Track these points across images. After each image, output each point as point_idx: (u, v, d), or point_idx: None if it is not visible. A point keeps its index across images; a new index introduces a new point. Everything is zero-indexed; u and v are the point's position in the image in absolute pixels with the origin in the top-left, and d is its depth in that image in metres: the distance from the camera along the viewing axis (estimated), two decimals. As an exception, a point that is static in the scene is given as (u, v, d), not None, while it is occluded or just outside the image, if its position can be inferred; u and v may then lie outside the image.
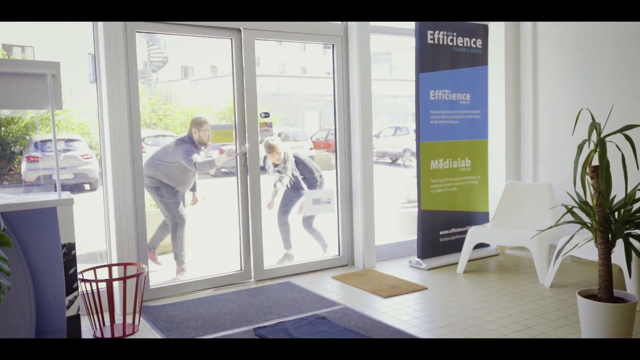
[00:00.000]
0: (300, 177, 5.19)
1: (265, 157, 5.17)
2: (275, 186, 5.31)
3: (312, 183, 5.21)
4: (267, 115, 4.77)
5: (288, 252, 5.17)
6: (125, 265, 3.76)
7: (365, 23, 4.80)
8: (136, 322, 3.54)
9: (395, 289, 4.26)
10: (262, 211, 4.62)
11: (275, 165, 5.22)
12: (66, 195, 3.12)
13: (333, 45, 4.90)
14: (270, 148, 5.15)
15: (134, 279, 3.53)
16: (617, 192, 3.18)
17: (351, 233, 5.03)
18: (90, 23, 3.84)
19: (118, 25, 3.79)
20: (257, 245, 4.59)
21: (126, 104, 3.87)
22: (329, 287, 4.39)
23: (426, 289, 4.29)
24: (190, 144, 4.66)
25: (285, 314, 3.76)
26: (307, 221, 5.21)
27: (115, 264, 3.77)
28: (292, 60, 27.43)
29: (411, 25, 4.90)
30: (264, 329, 3.45)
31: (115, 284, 3.78)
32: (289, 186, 5.21)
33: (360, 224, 4.91)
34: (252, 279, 4.59)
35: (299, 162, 5.25)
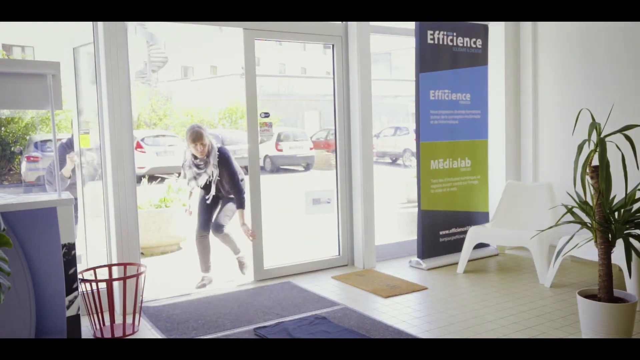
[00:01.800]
0: (214, 179, 4.47)
1: (186, 149, 4.58)
2: (189, 185, 4.60)
3: (228, 189, 4.55)
4: (267, 115, 4.76)
5: (206, 274, 4.56)
6: (125, 265, 3.76)
7: (365, 23, 4.80)
8: (136, 322, 3.54)
9: (395, 289, 4.25)
10: (261, 211, 4.61)
11: (195, 159, 4.48)
12: (66, 195, 3.12)
13: (333, 45, 4.90)
14: (197, 136, 4.36)
15: (134, 279, 3.52)
16: (617, 192, 3.18)
17: (351, 233, 5.03)
18: (90, 23, 3.84)
19: (118, 25, 3.79)
20: (257, 244, 4.59)
21: (126, 103, 3.87)
22: (329, 287, 4.39)
23: (426, 289, 4.29)
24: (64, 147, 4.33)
25: (285, 314, 3.76)
26: (218, 227, 4.57)
27: (115, 264, 3.77)
28: (292, 60, 27.47)
29: (411, 25, 4.90)
30: (264, 329, 3.45)
31: (115, 284, 3.78)
32: (209, 188, 4.52)
33: (360, 224, 4.91)
34: (252, 279, 4.59)
35: (222, 159, 4.49)
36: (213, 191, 4.53)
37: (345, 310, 3.82)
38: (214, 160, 4.45)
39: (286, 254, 5.26)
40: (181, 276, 4.65)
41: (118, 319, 3.66)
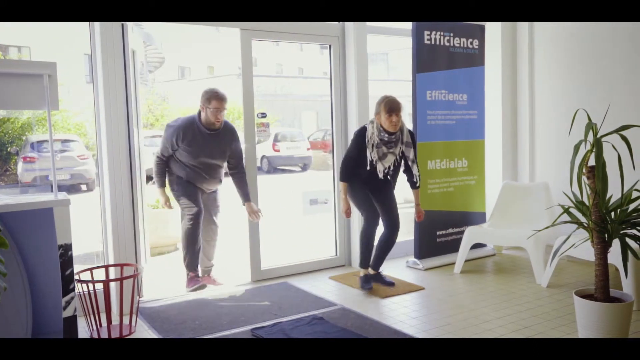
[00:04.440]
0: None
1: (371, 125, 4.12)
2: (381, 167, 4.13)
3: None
4: (264, 115, 4.76)
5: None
6: (122, 265, 3.75)
7: (362, 23, 4.81)
8: (133, 323, 3.54)
9: (392, 289, 4.25)
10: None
11: (389, 134, 4.08)
12: (62, 195, 3.11)
13: (330, 46, 4.90)
14: (396, 105, 4.02)
15: (131, 279, 3.52)
16: (614, 192, 3.19)
17: (348, 233, 5.03)
18: (86, 23, 3.83)
19: (115, 25, 3.79)
20: (255, 245, 4.59)
21: (123, 104, 3.87)
22: (326, 288, 4.38)
23: (423, 289, 4.29)
24: (174, 128, 4.08)
25: (282, 314, 3.75)
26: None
27: (112, 265, 3.76)
28: (290, 61, 27.46)
29: (408, 25, 4.90)
30: (261, 330, 3.44)
31: (112, 285, 3.76)
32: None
33: (357, 224, 4.90)
34: (250, 279, 4.58)
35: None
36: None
37: (342, 310, 3.82)
38: (407, 137, 4.15)
39: (283, 254, 5.26)
40: (178, 277, 4.63)
41: (115, 320, 3.65)
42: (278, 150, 15.19)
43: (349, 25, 4.82)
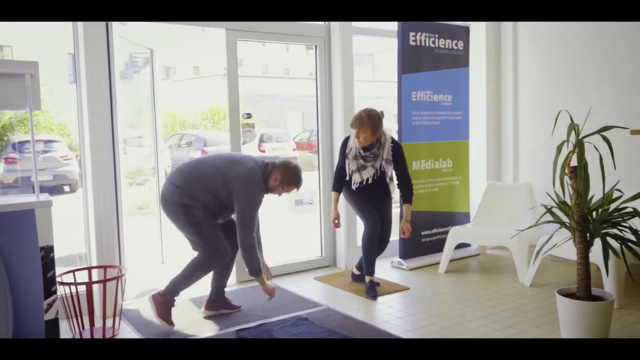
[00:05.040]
0: None
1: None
2: None
3: None
4: (249, 115, 4.75)
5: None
6: (105, 267, 3.71)
7: (347, 24, 4.82)
8: (116, 326, 3.50)
9: (377, 289, 4.26)
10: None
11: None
12: (44, 197, 3.08)
13: (316, 46, 4.90)
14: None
15: (114, 281, 3.48)
16: (595, 192, 3.23)
17: (333, 234, 5.04)
18: (70, 22, 3.79)
19: (99, 24, 3.75)
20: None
21: (107, 104, 3.83)
22: (312, 288, 4.38)
23: (408, 289, 4.31)
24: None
25: (267, 315, 3.75)
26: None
27: (95, 267, 3.73)
28: (275, 61, 27.42)
29: (394, 26, 4.92)
30: (246, 331, 3.43)
31: (95, 287, 3.73)
32: None
33: (342, 225, 4.92)
34: (235, 281, 4.56)
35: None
36: None
37: (327, 311, 3.82)
38: (387, 154, 4.10)
39: (268, 255, 5.24)
40: (162, 278, 4.59)
41: (98, 323, 3.61)
42: (264, 151, 15.15)
43: (335, 25, 4.82)
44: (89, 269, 3.66)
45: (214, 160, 3.64)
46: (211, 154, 3.95)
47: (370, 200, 4.17)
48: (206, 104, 20.30)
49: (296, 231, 6.26)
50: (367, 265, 4.18)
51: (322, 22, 4.87)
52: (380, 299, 4.09)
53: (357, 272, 4.41)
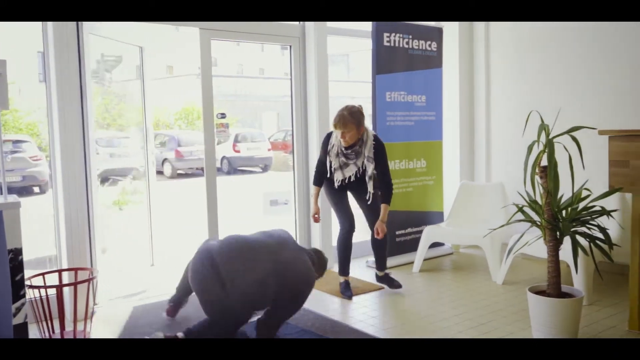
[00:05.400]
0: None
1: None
2: None
3: None
4: (223, 116, 4.72)
5: None
6: (76, 270, 3.64)
7: (322, 24, 4.82)
8: (87, 329, 3.44)
9: (352, 288, 4.27)
10: (217, 213, 4.57)
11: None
12: (13, 198, 3.01)
13: (290, 46, 4.90)
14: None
15: (86, 284, 3.42)
16: (565, 191, 3.29)
17: (308, 234, 5.03)
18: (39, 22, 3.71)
19: (69, 22, 3.68)
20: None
21: (77, 103, 3.76)
22: (287, 289, 4.37)
23: (382, 288, 4.33)
24: None
25: (242, 316, 3.72)
26: None
27: (65, 269, 3.65)
28: (251, 61, 27.30)
29: (368, 27, 4.95)
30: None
31: (66, 290, 3.65)
32: None
33: (317, 225, 4.92)
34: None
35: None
36: None
37: (302, 311, 3.79)
38: (369, 151, 4.00)
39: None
40: (135, 280, 4.53)
41: (69, 326, 3.54)
42: (238, 151, 15.07)
43: (310, 25, 4.82)
44: (59, 271, 3.59)
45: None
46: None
47: (354, 196, 4.16)
48: (180, 104, 20.10)
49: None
50: (341, 265, 4.19)
51: (297, 22, 4.87)
52: (355, 298, 4.10)
53: (379, 273, 4.34)
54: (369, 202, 4.11)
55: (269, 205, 4.99)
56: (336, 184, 4.09)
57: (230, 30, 4.50)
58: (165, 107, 19.87)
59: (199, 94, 4.45)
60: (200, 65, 4.43)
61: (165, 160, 14.38)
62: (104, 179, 4.81)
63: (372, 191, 4.06)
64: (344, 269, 4.19)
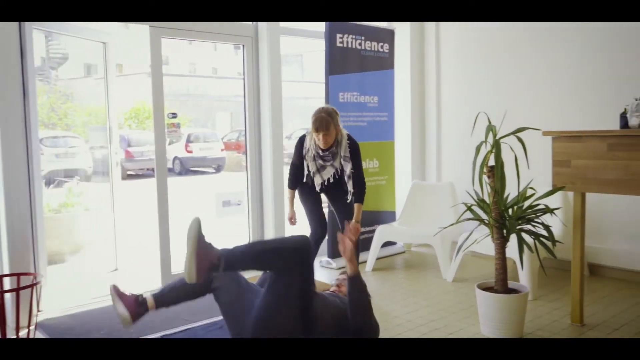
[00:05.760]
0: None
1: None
2: None
3: None
4: (174, 115, 4.63)
5: None
6: (18, 275, 3.49)
7: (275, 24, 4.80)
8: (31, 337, 3.30)
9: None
10: (169, 214, 4.48)
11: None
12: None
13: (243, 46, 4.86)
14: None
15: (29, 290, 3.28)
16: (511, 191, 3.39)
17: (262, 235, 5.00)
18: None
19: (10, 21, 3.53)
20: (165, 249, 4.45)
21: (20, 103, 3.61)
22: (240, 290, 4.33)
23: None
24: None
25: (194, 319, 3.67)
26: None
27: (7, 275, 3.50)
28: (203, 60, 26.88)
29: (321, 28, 4.96)
30: (172, 336, 3.34)
31: (8, 296, 3.50)
32: None
33: (271, 226, 4.90)
34: (160, 285, 4.43)
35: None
36: None
37: (256, 312, 3.78)
38: (345, 151, 3.94)
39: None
40: (82, 285, 4.39)
41: (11, 334, 3.39)
42: (191, 152, 14.83)
43: (262, 25, 4.80)
44: (0, 277, 3.44)
45: None
46: None
47: (328, 200, 4.15)
48: (130, 103, 19.59)
49: (224, 233, 6.15)
50: None
51: (250, 22, 4.83)
52: (309, 298, 4.09)
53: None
54: (348, 202, 4.04)
55: (221, 206, 4.93)
56: (317, 188, 4.03)
57: (182, 29, 4.43)
58: (115, 106, 19.34)
59: (149, 92, 4.35)
60: (150, 63, 4.34)
61: (114, 160, 13.96)
62: (49, 181, 4.64)
63: (352, 190, 3.98)
64: None
